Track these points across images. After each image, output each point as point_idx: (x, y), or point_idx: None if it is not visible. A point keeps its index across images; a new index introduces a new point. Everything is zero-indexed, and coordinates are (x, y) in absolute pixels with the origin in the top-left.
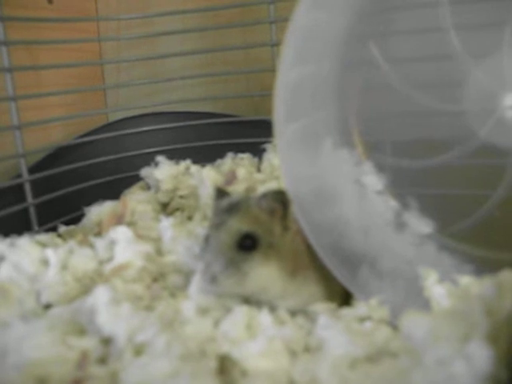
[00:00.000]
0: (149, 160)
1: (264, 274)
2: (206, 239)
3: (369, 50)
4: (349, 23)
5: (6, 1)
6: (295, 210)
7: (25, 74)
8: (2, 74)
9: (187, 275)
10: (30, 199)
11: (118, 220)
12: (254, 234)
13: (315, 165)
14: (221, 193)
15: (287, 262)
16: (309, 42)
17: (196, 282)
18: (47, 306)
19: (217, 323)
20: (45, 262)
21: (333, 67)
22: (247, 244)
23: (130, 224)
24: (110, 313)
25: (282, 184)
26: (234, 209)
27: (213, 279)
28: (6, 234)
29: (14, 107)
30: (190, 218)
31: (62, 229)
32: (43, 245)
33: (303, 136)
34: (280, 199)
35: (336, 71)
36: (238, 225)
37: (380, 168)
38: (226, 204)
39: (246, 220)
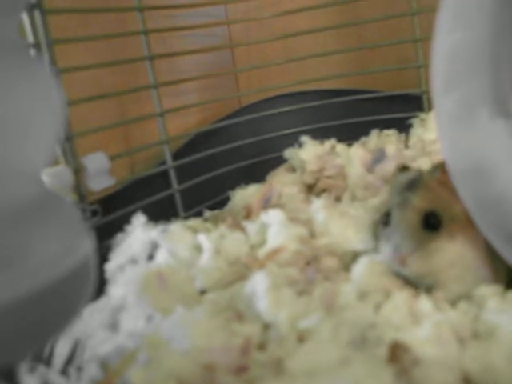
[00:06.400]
0: (285, 142)
1: (452, 250)
2: (386, 216)
3: None
4: None
5: None
6: (457, 187)
7: (158, 63)
8: (143, 64)
9: (341, 258)
10: (175, 185)
11: (265, 203)
12: (437, 212)
13: (472, 137)
14: (402, 169)
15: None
16: (463, 5)
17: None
18: (202, 292)
19: (377, 308)
20: (197, 248)
21: (488, 31)
22: (433, 222)
23: (277, 206)
24: (271, 298)
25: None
26: (414, 186)
27: (402, 261)
28: (155, 221)
29: (155, 94)
30: (338, 199)
31: (208, 213)
32: (194, 230)
33: (460, 107)
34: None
35: (491, 35)
36: (421, 203)
37: None
38: (406, 180)
39: (428, 197)
